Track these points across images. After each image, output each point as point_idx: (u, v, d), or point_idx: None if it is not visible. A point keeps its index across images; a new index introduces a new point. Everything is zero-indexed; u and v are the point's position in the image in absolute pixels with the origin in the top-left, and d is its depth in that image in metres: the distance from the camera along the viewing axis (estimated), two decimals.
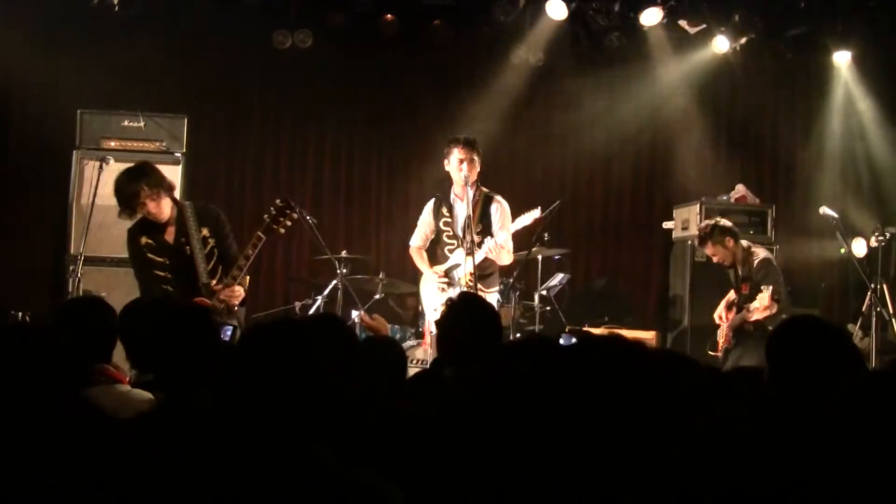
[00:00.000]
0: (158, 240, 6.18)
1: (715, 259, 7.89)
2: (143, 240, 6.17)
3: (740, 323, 7.56)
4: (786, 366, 3.31)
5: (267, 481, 2.14)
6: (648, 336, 9.08)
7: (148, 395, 3.45)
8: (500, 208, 7.25)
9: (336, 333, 2.43)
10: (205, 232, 6.22)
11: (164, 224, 6.19)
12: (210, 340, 3.46)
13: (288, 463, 2.17)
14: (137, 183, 6.03)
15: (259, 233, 5.99)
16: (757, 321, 7.38)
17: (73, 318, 3.78)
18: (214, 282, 6.06)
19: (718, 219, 7.91)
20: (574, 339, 3.80)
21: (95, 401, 3.01)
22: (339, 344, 2.38)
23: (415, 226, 7.64)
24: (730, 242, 7.67)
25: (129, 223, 6.22)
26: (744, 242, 7.79)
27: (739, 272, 7.74)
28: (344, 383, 2.28)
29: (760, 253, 7.75)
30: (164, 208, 6.14)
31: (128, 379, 3.85)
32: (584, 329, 4.94)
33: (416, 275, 7.71)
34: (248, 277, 6.11)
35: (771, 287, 7.24)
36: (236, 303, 6.10)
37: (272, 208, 6.07)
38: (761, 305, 7.19)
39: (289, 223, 6.08)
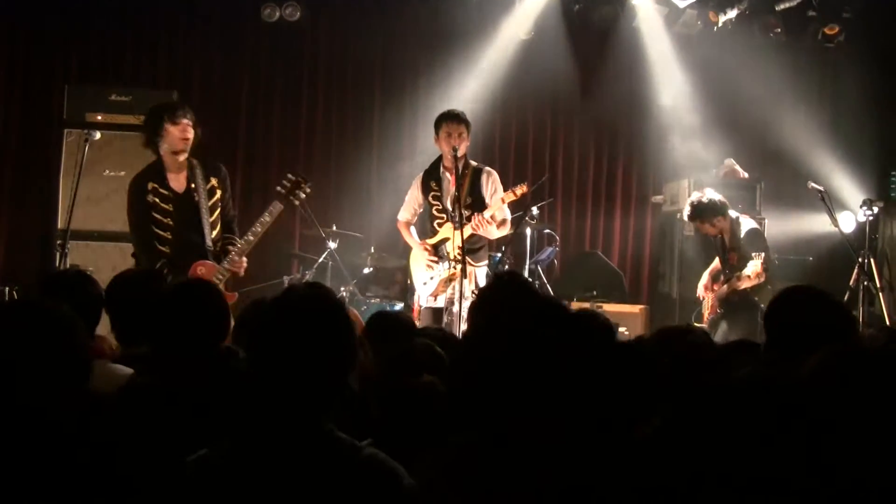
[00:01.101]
0: (166, 186, 6.09)
1: (703, 232, 7.93)
2: (150, 185, 6.06)
3: (727, 293, 7.57)
4: (784, 336, 3.32)
5: (285, 456, 2.18)
6: (637, 309, 9.11)
7: (128, 370, 3.41)
8: (490, 179, 7.23)
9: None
10: (213, 182, 6.22)
11: (175, 171, 6.12)
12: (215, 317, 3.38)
13: (305, 439, 2.21)
14: (183, 106, 6.14)
15: (277, 202, 6.05)
16: (743, 292, 7.39)
17: (55, 291, 3.73)
18: (235, 248, 6.03)
19: (708, 194, 7.89)
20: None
21: None
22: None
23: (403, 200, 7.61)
24: (720, 220, 7.66)
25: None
26: (732, 213, 7.79)
27: (727, 242, 7.74)
28: (352, 361, 2.32)
29: (748, 223, 7.76)
30: (188, 147, 6.07)
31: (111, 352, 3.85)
32: None
33: (406, 250, 7.70)
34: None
35: (762, 254, 7.26)
36: (241, 273, 6.11)
37: (285, 181, 6.14)
38: (752, 273, 7.20)
39: (303, 196, 6.15)
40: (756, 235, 7.67)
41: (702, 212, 7.70)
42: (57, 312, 2.40)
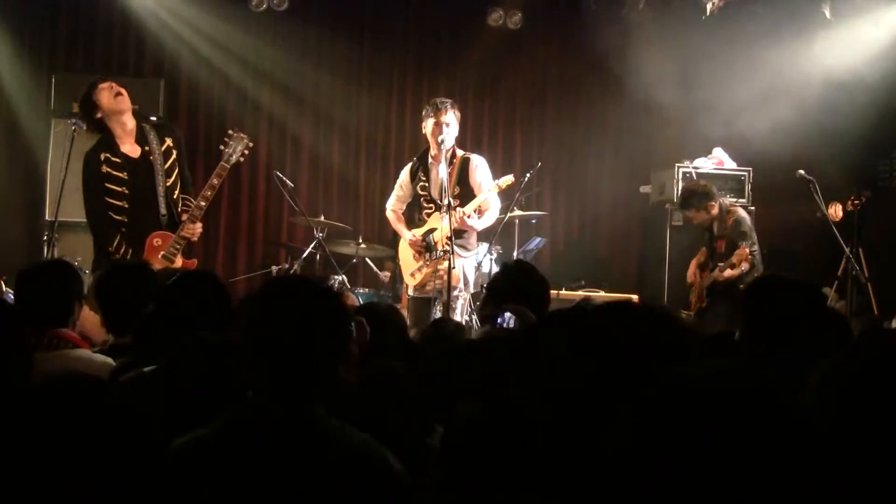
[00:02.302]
0: (119, 154, 6.05)
1: (695, 222, 7.90)
2: (104, 155, 6.02)
3: (711, 282, 7.58)
4: (759, 325, 3.31)
5: (276, 440, 2.20)
6: (625, 299, 9.10)
7: (108, 360, 3.43)
8: (478, 166, 7.20)
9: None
10: (168, 142, 6.20)
11: (127, 138, 6.10)
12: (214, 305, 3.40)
13: (296, 422, 2.23)
14: (100, 77, 6.17)
15: (223, 163, 6.12)
16: (728, 281, 7.39)
17: (32, 282, 3.73)
18: (184, 215, 6.06)
19: (699, 181, 7.89)
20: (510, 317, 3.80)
21: (49, 365, 3.03)
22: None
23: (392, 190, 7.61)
24: (712, 208, 7.66)
25: None
26: (723, 201, 7.81)
27: (715, 230, 7.75)
28: (343, 346, 2.35)
29: (737, 211, 7.77)
30: (125, 106, 6.06)
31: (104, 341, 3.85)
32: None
33: (394, 239, 7.70)
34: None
35: (749, 243, 7.29)
36: (195, 238, 6.14)
37: (226, 138, 6.20)
38: (738, 261, 7.21)
39: (246, 152, 6.25)
40: (744, 224, 7.68)
41: (693, 198, 7.70)
42: None
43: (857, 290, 8.02)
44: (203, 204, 6.04)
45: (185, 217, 6.05)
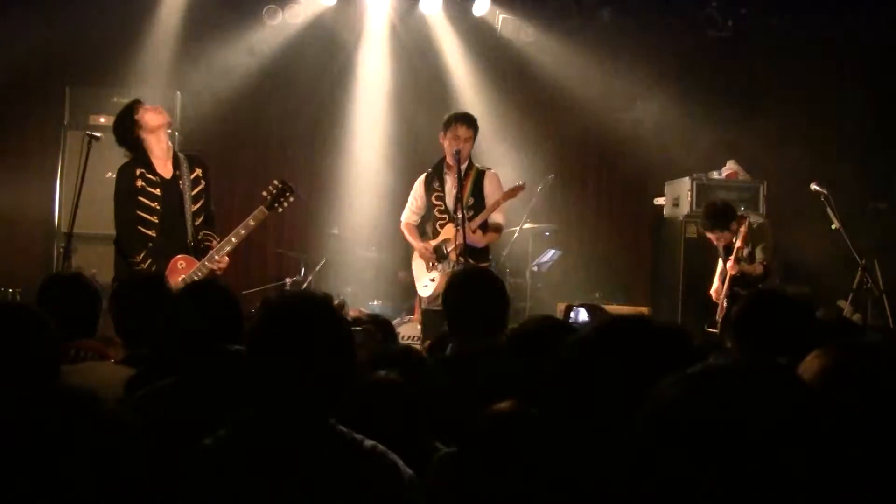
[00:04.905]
0: (154, 172, 6.10)
1: (717, 243, 7.72)
2: (139, 170, 6.08)
3: (728, 285, 7.48)
4: (749, 340, 3.40)
5: (287, 449, 2.21)
6: (639, 312, 9.05)
7: (132, 372, 3.37)
8: (493, 180, 7.21)
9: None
10: (198, 172, 6.24)
11: (161, 159, 6.14)
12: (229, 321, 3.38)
13: (307, 432, 2.24)
14: (136, 101, 6.21)
15: (263, 207, 6.05)
16: (749, 277, 7.35)
17: (53, 294, 3.74)
18: (214, 242, 6.07)
19: (719, 201, 7.77)
20: (585, 314, 3.81)
21: (77, 378, 3.04)
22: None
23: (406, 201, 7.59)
24: (734, 226, 7.52)
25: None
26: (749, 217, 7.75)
27: (737, 240, 7.63)
28: (350, 360, 2.36)
29: (757, 218, 7.73)
30: (162, 122, 6.14)
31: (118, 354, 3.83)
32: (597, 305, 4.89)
33: (407, 251, 7.68)
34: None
35: (765, 247, 7.33)
36: (220, 272, 6.08)
37: (271, 187, 6.12)
38: (758, 261, 7.25)
39: (286, 204, 6.14)
40: (765, 229, 7.64)
41: (721, 217, 7.52)
42: (23, 312, 2.45)
43: (872, 302, 7.95)
44: (234, 241, 6.00)
45: (212, 247, 6.05)
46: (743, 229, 7.47)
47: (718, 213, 7.55)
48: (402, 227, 7.53)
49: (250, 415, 2.28)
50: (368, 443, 2.29)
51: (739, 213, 7.71)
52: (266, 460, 2.19)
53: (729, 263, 7.40)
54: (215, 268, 6.04)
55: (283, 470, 2.18)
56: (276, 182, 6.17)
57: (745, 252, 7.54)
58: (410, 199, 7.49)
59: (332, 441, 2.26)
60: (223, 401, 2.59)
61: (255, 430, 2.25)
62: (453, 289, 4.20)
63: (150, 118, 6.10)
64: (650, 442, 1.45)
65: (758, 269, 7.32)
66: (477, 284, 4.16)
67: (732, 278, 7.45)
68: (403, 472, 2.29)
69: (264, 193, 6.13)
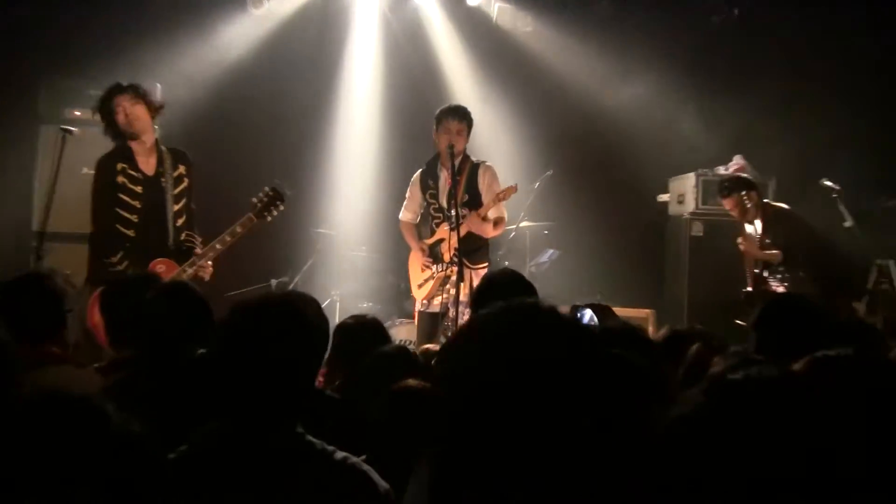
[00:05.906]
0: (136, 168, 5.92)
1: (732, 213, 7.63)
2: (121, 165, 5.90)
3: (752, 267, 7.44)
4: (768, 342, 3.52)
5: (262, 463, 2.18)
6: (643, 313, 8.78)
7: (94, 374, 3.40)
8: (487, 172, 7.11)
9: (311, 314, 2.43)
10: (181, 169, 6.08)
11: (144, 155, 5.97)
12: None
13: (275, 440, 2.22)
14: (120, 87, 5.97)
15: (252, 215, 5.91)
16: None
17: (12, 297, 3.57)
18: (197, 244, 5.95)
19: (740, 172, 7.67)
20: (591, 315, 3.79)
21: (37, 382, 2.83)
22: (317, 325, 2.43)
23: (399, 199, 7.48)
24: (753, 195, 7.45)
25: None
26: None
27: (760, 227, 7.51)
28: (315, 366, 2.38)
29: (779, 206, 7.65)
30: (141, 118, 5.91)
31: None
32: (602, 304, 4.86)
33: (398, 250, 7.49)
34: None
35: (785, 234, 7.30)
36: (206, 278, 5.93)
37: (262, 194, 5.99)
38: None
39: (276, 213, 6.03)
40: (782, 216, 7.54)
41: (736, 183, 7.54)
42: None
43: (888, 303, 7.69)
44: (219, 247, 5.86)
45: (196, 252, 5.90)
46: (760, 216, 7.44)
47: (726, 181, 7.73)
48: (401, 226, 7.45)
49: (213, 427, 2.25)
50: (339, 454, 2.27)
51: (765, 201, 7.58)
52: (231, 475, 2.16)
53: (739, 239, 7.42)
54: (201, 275, 5.86)
55: (250, 484, 2.15)
56: (267, 189, 6.02)
57: (767, 240, 7.42)
58: (408, 196, 7.39)
59: (300, 452, 2.23)
60: (192, 405, 2.55)
61: (218, 443, 2.22)
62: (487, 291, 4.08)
63: (121, 121, 5.91)
64: (678, 445, 1.52)
65: (776, 256, 7.29)
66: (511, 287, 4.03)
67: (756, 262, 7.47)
68: (378, 485, 2.27)
69: (254, 200, 5.94)
